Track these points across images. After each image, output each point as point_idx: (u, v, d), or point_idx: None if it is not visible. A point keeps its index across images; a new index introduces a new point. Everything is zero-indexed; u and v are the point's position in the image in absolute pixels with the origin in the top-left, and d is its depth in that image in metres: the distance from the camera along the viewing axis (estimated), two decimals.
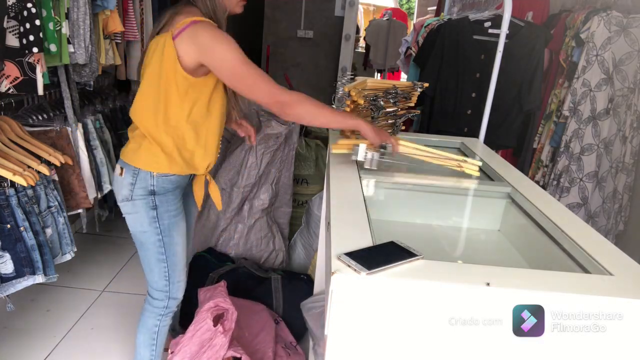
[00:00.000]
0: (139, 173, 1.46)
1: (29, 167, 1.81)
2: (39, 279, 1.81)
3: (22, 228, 1.75)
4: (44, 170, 1.83)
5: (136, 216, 1.52)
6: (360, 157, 1.35)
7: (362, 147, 1.35)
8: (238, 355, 1.71)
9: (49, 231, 1.88)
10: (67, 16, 1.95)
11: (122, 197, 1.50)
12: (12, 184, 1.72)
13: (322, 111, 1.39)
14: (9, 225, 1.72)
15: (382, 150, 1.39)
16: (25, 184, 1.73)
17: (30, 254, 1.78)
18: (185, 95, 1.40)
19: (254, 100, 1.42)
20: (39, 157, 1.89)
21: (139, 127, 1.47)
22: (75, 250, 2.02)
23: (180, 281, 1.64)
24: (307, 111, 1.40)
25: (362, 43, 6.99)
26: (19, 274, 1.77)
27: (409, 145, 1.47)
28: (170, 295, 1.64)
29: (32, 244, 1.77)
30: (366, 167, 1.36)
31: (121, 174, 1.49)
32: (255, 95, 1.40)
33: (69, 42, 1.99)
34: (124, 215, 1.56)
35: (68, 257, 1.99)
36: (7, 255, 1.73)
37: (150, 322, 1.66)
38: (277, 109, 1.40)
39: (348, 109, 1.61)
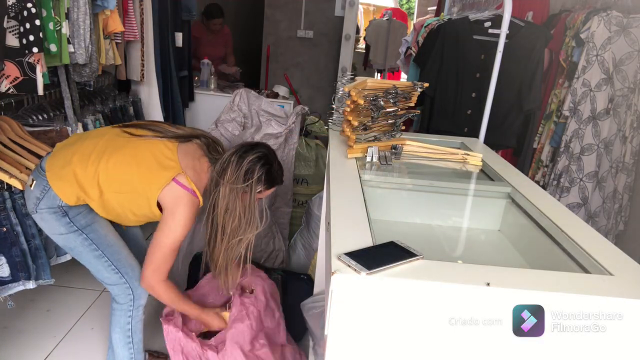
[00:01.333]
0: (49, 191, 1.49)
1: (27, 168, 1.81)
2: (30, 284, 1.79)
3: (16, 232, 1.74)
4: None
5: (48, 225, 1.54)
6: (374, 159, 1.47)
7: (375, 149, 1.47)
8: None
9: (44, 234, 1.86)
10: (67, 16, 1.95)
11: (29, 208, 1.55)
12: (8, 186, 1.72)
13: (179, 303, 1.64)
14: (4, 229, 1.71)
15: (393, 150, 1.52)
16: (21, 187, 1.73)
17: (25, 258, 1.77)
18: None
19: (148, 265, 1.55)
20: (39, 158, 1.88)
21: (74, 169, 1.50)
22: None
23: (134, 269, 1.63)
24: (166, 299, 1.62)
25: (361, 43, 6.98)
26: (14, 278, 1.76)
27: (413, 144, 1.53)
28: (131, 285, 1.62)
29: (26, 248, 1.77)
30: (382, 163, 1.48)
31: (31, 185, 1.53)
32: (152, 266, 1.53)
33: (69, 42, 1.99)
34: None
35: (68, 257, 1.99)
36: (4, 259, 1.72)
37: (121, 321, 1.66)
38: (148, 287, 1.58)
39: (348, 109, 1.61)
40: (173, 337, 1.62)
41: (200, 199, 1.50)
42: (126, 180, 1.48)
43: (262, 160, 1.55)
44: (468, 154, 1.54)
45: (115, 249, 1.59)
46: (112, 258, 1.58)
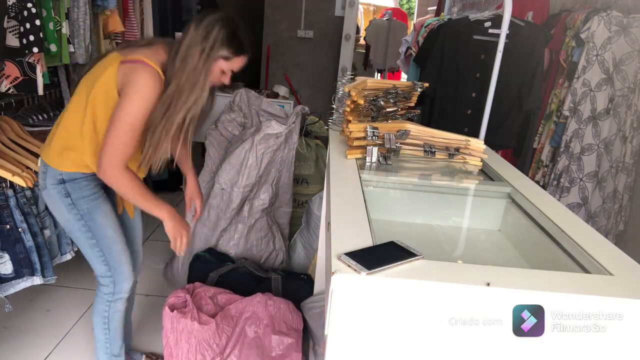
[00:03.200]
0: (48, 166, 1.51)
1: (27, 167, 1.81)
2: (37, 280, 1.81)
3: (20, 229, 1.75)
4: None
5: (54, 204, 1.54)
6: (374, 159, 1.46)
7: (375, 149, 1.46)
8: None
9: (47, 232, 1.88)
10: (67, 16, 1.95)
11: (40, 186, 1.57)
12: (11, 184, 1.72)
13: (134, 195, 1.49)
14: (8, 226, 1.72)
15: (394, 148, 1.50)
16: (24, 185, 1.73)
17: (29, 255, 1.78)
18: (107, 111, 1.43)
19: (103, 147, 1.41)
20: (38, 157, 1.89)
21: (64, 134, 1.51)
22: (76, 249, 2.02)
23: (122, 265, 1.63)
24: (119, 185, 1.47)
25: (361, 42, 6.97)
26: (18, 274, 1.77)
27: (416, 128, 1.54)
28: (115, 280, 1.62)
29: (30, 245, 1.78)
30: (382, 163, 1.48)
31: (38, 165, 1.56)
32: (106, 147, 1.40)
33: (69, 42, 1.99)
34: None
35: (68, 256, 1.99)
36: (7, 256, 1.73)
37: (99, 307, 1.67)
38: (101, 171, 1.42)
39: (348, 109, 1.61)
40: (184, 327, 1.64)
41: (159, 70, 1.39)
42: (99, 99, 1.42)
43: (224, 20, 1.41)
44: (469, 141, 1.55)
45: (110, 242, 1.59)
46: (105, 250, 1.59)
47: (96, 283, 1.65)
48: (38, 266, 1.80)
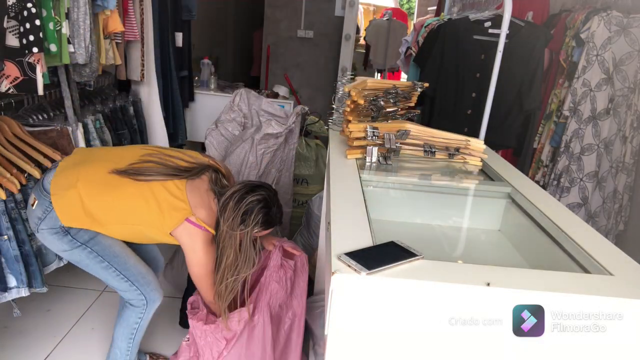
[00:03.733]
0: (51, 212, 1.48)
1: (21, 170, 1.77)
2: (23, 292, 1.76)
3: (5, 237, 1.70)
4: (35, 173, 1.79)
5: (51, 244, 1.54)
6: (374, 159, 1.47)
7: (375, 149, 1.47)
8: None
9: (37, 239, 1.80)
10: (67, 16, 1.95)
11: (31, 224, 1.55)
12: None
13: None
14: None
15: (394, 148, 1.51)
16: (15, 191, 1.69)
17: (3, 270, 1.73)
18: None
19: (201, 293, 1.67)
20: (35, 159, 1.87)
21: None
22: None
23: (145, 276, 1.64)
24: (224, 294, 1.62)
25: (361, 42, 6.97)
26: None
27: (415, 128, 1.55)
28: (145, 294, 1.64)
29: (15, 254, 1.73)
30: (382, 163, 1.49)
31: (33, 204, 1.52)
32: (201, 291, 1.65)
33: (69, 42, 1.98)
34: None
35: (65, 261, 1.97)
36: None
37: (130, 320, 1.68)
38: (211, 303, 1.66)
39: (348, 109, 1.61)
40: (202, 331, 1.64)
41: (213, 232, 1.54)
42: (136, 214, 1.50)
43: (261, 203, 1.56)
44: (469, 140, 1.56)
45: (122, 258, 1.59)
46: (120, 267, 1.58)
47: (120, 298, 1.67)
48: (24, 277, 1.75)
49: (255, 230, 1.57)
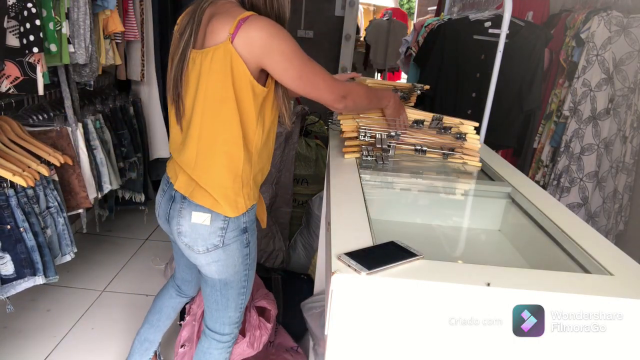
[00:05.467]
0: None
1: (28, 167, 1.81)
2: (39, 280, 1.80)
3: (22, 229, 1.74)
4: (43, 170, 1.83)
5: (228, 261, 1.29)
6: (369, 159, 1.45)
7: (370, 148, 1.46)
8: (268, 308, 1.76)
9: (48, 232, 1.88)
10: (67, 16, 1.95)
11: (210, 246, 1.25)
12: (12, 184, 1.72)
13: (368, 97, 1.37)
14: (9, 226, 1.72)
15: (387, 148, 1.49)
16: (25, 185, 1.73)
17: (30, 254, 1.78)
18: (259, 114, 1.21)
19: (316, 99, 1.25)
20: (38, 157, 1.89)
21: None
22: (76, 250, 2.02)
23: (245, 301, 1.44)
24: (357, 102, 1.34)
25: (361, 42, 6.97)
26: (19, 275, 1.77)
27: (413, 112, 1.54)
28: (239, 323, 1.44)
29: (32, 244, 1.77)
30: (379, 162, 1.47)
31: (206, 221, 1.23)
32: (321, 94, 1.24)
33: (69, 42, 1.99)
34: (208, 265, 1.29)
35: (68, 257, 1.99)
36: (8, 257, 1.73)
37: (221, 358, 1.44)
38: (338, 104, 1.27)
39: None
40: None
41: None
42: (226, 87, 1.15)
43: None
44: (463, 123, 1.54)
45: (252, 281, 1.38)
46: (248, 294, 1.37)
47: (206, 335, 1.43)
48: (40, 266, 1.79)
49: None
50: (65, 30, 1.94)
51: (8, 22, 1.64)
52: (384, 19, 6.32)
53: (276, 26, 1.16)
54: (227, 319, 1.39)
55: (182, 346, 1.82)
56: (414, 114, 1.54)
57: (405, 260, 0.84)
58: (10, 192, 1.72)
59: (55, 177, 1.95)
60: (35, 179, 1.78)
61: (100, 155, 2.33)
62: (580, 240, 1.02)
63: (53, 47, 1.88)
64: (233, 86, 1.14)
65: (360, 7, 7.94)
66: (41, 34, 1.73)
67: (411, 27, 4.22)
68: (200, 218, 1.23)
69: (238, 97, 1.16)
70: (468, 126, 1.56)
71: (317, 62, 1.31)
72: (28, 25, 1.68)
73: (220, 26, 1.14)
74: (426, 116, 1.54)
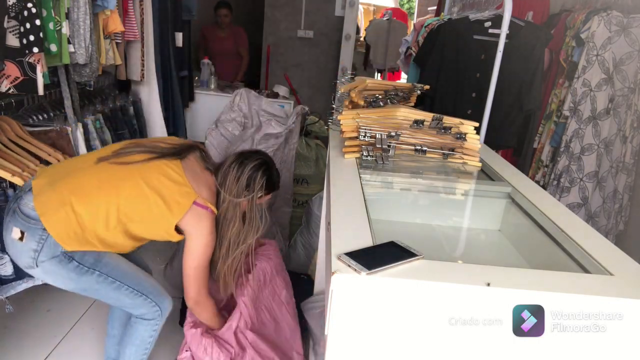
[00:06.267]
0: (48, 239, 1.35)
1: (28, 167, 1.81)
2: (38, 280, 1.80)
3: None
4: None
5: (55, 276, 1.43)
6: (370, 159, 1.46)
7: (370, 147, 1.47)
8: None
9: None
10: (67, 16, 1.95)
11: (24, 264, 1.40)
12: (11, 184, 1.72)
13: (213, 318, 1.67)
14: None
15: (387, 148, 1.49)
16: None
17: None
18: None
19: (186, 285, 1.57)
20: (38, 157, 1.89)
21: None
22: None
23: (155, 287, 1.59)
24: (204, 318, 1.66)
25: (361, 43, 6.97)
26: (18, 275, 1.76)
27: (413, 112, 1.54)
28: (159, 304, 1.59)
29: None
30: (379, 162, 1.48)
31: (22, 238, 1.36)
32: (191, 282, 1.55)
33: (69, 42, 1.99)
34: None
35: None
36: (7, 257, 1.73)
37: (144, 335, 1.62)
38: (192, 303, 1.59)
39: (346, 109, 1.61)
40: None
41: (216, 211, 1.52)
42: (143, 209, 1.42)
43: (262, 167, 1.58)
44: (463, 123, 1.55)
45: (132, 274, 1.54)
46: (132, 283, 1.52)
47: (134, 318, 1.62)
48: None
49: (259, 195, 1.59)
50: (65, 30, 1.94)
51: (8, 22, 1.64)
52: (384, 19, 6.32)
53: (206, 228, 1.51)
54: (132, 307, 1.57)
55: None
56: (414, 114, 1.54)
57: (405, 260, 0.84)
58: (10, 192, 1.72)
59: None
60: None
61: None
62: (580, 240, 1.02)
63: (53, 47, 1.88)
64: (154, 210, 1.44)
65: (360, 7, 7.94)
66: (41, 34, 1.73)
67: (411, 27, 4.22)
68: (17, 234, 1.39)
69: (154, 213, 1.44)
70: (468, 126, 1.56)
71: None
72: (28, 25, 1.69)
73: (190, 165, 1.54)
74: (426, 116, 1.54)
